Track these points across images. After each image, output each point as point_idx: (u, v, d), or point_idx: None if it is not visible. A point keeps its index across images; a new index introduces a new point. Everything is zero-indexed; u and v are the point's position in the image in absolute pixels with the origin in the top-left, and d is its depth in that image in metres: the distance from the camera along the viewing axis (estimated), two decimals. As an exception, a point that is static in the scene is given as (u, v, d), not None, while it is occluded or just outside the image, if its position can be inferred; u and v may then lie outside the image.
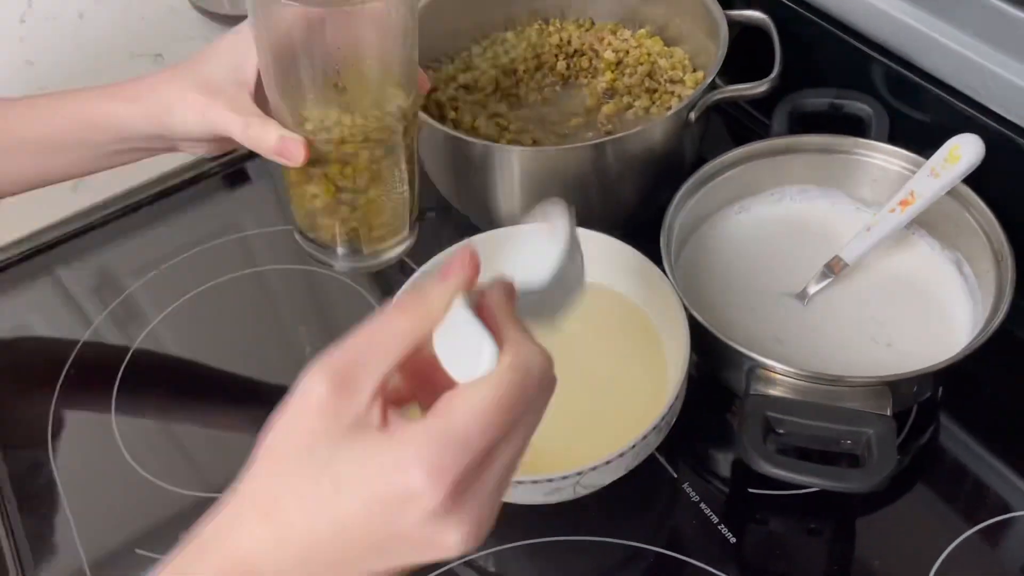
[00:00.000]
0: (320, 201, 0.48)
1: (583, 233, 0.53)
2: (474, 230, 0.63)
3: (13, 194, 0.57)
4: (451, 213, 0.67)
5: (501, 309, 0.32)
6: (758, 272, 0.56)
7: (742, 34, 0.61)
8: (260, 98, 0.49)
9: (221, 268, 0.66)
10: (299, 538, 0.29)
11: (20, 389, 0.62)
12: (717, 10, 0.60)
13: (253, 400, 0.59)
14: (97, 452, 0.57)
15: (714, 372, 0.52)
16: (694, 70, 0.65)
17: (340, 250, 0.50)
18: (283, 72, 0.44)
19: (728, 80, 0.63)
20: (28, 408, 0.59)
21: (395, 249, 0.52)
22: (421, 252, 0.62)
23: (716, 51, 0.59)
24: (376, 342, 0.31)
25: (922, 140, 0.56)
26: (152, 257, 0.67)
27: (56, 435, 0.57)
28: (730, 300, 0.54)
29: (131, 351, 0.61)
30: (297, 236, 0.52)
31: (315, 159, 0.46)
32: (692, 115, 0.56)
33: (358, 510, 0.28)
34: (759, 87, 0.56)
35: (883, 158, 0.56)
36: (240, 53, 0.49)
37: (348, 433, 0.29)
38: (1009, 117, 0.52)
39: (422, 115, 0.55)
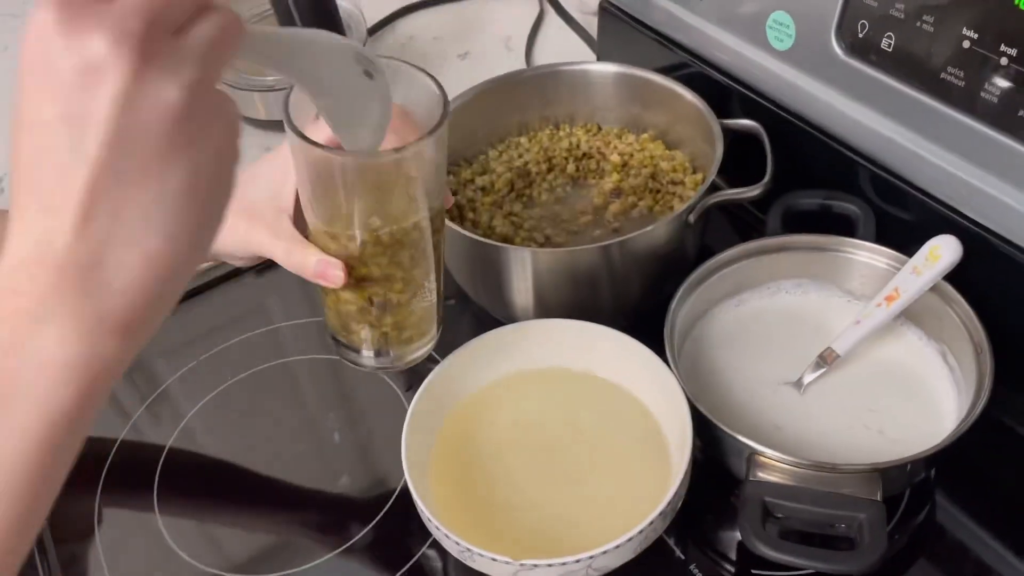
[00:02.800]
0: (353, 307, 0.50)
1: (592, 328, 0.58)
2: (491, 320, 0.68)
3: None
4: (469, 304, 0.71)
5: None
6: (756, 362, 0.59)
7: (738, 139, 0.66)
8: (299, 221, 0.51)
9: (253, 360, 0.70)
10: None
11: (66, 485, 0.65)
12: (713, 119, 0.66)
13: (284, 491, 0.62)
14: (141, 544, 0.60)
15: (716, 458, 0.55)
16: (694, 172, 0.70)
17: (370, 352, 0.53)
18: (318, 197, 0.47)
19: (727, 179, 0.68)
20: (75, 504, 0.62)
21: (423, 349, 0.54)
22: (442, 343, 0.67)
23: (713, 155, 0.64)
24: None
25: (907, 239, 0.60)
26: (187, 351, 0.71)
27: (101, 527, 0.60)
28: (730, 389, 0.58)
29: (167, 447, 0.65)
30: (329, 339, 0.55)
31: (350, 269, 0.48)
32: (691, 217, 0.61)
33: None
34: (753, 191, 0.61)
35: (869, 255, 0.60)
36: (278, 180, 0.52)
37: None
38: (983, 222, 0.56)
39: (443, 220, 0.60)
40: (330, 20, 0.78)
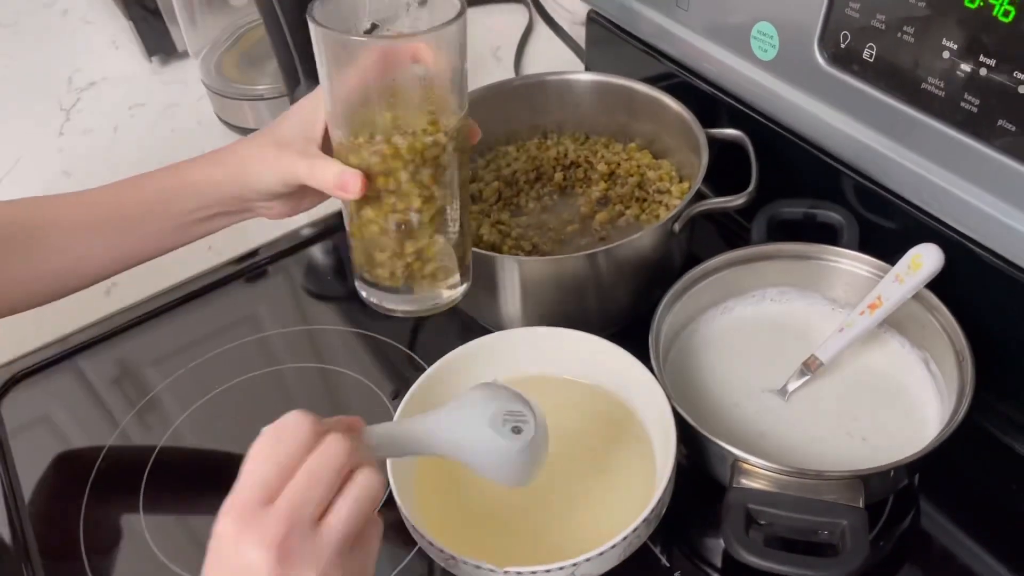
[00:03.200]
0: (376, 227, 0.50)
1: (578, 335, 0.58)
2: (479, 328, 0.68)
3: (92, 283, 0.61)
4: (457, 311, 0.71)
5: None
6: (741, 369, 0.60)
7: (724, 148, 0.67)
8: (326, 149, 0.52)
9: (242, 368, 0.70)
10: None
11: (53, 492, 0.65)
12: (698, 128, 0.66)
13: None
14: (129, 552, 0.60)
15: (701, 465, 0.55)
16: (680, 180, 0.71)
17: (394, 289, 0.52)
18: (341, 103, 0.47)
19: (714, 188, 0.69)
20: (61, 511, 0.62)
21: (448, 292, 0.53)
22: (428, 349, 0.67)
23: (699, 164, 0.64)
24: None
25: (890, 247, 0.61)
26: (177, 358, 0.71)
27: (86, 536, 0.60)
28: (715, 396, 0.58)
29: (155, 451, 0.65)
30: (357, 285, 0.54)
31: (371, 185, 0.49)
32: (677, 226, 0.61)
33: None
34: (738, 200, 0.62)
35: (852, 263, 0.60)
36: (309, 112, 0.54)
37: None
38: (964, 231, 0.56)
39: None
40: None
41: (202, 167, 0.57)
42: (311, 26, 0.45)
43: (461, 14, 0.45)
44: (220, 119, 0.91)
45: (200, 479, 0.65)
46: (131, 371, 0.72)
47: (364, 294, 0.54)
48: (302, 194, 0.56)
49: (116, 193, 0.58)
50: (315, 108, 0.54)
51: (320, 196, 0.56)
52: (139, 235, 0.58)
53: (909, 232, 0.60)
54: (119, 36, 1.06)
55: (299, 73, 0.80)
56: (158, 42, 0.99)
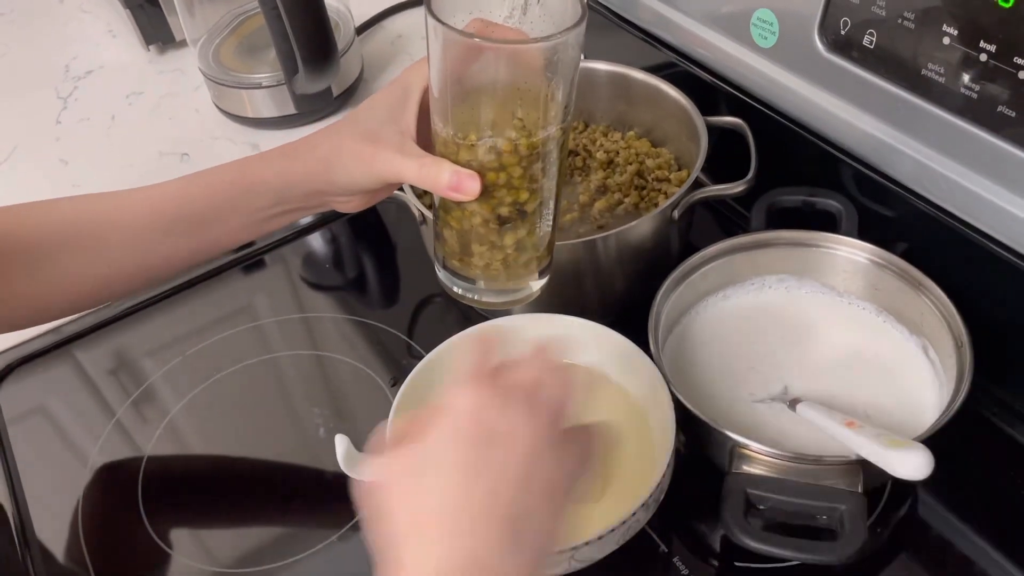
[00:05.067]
0: (479, 219, 0.49)
1: (577, 322, 0.58)
2: (477, 315, 0.68)
3: (169, 277, 0.59)
4: (455, 301, 0.71)
5: None
6: (740, 356, 0.60)
7: (723, 136, 0.67)
8: (422, 143, 0.50)
9: (238, 356, 0.70)
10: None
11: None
12: (697, 116, 0.66)
13: (269, 486, 0.63)
14: (128, 542, 0.60)
15: (700, 450, 0.55)
16: (679, 168, 0.71)
17: (483, 283, 0.52)
18: (457, 101, 0.47)
19: (713, 176, 0.69)
20: (58, 502, 0.62)
21: (537, 282, 0.53)
22: (426, 336, 0.67)
23: (698, 151, 0.64)
24: None
25: (889, 233, 0.61)
26: (173, 347, 0.71)
27: (84, 527, 0.60)
28: (714, 383, 0.58)
29: (151, 443, 0.65)
30: (444, 276, 0.54)
31: (481, 179, 0.47)
32: (676, 213, 0.61)
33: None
34: (736, 187, 0.62)
35: (851, 251, 0.60)
36: (396, 107, 0.51)
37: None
38: (964, 217, 0.56)
39: (429, 216, 0.60)
40: (318, 19, 0.78)
41: (277, 163, 0.54)
42: (429, 21, 0.44)
43: (583, 19, 0.45)
44: (218, 107, 0.91)
45: (198, 470, 0.65)
46: (127, 360, 0.72)
47: (453, 287, 0.53)
48: (386, 188, 0.54)
49: (184, 191, 0.56)
50: (404, 98, 0.51)
51: (397, 187, 0.54)
52: (208, 234, 0.56)
53: (908, 219, 0.60)
54: (116, 24, 1.05)
55: (297, 61, 0.80)
56: (156, 30, 0.98)
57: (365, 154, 0.51)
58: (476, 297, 0.53)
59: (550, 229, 0.52)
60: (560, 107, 0.47)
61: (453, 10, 0.45)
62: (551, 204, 0.51)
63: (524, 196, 0.49)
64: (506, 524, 0.36)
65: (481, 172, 0.47)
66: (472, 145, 0.47)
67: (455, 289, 0.53)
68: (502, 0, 0.48)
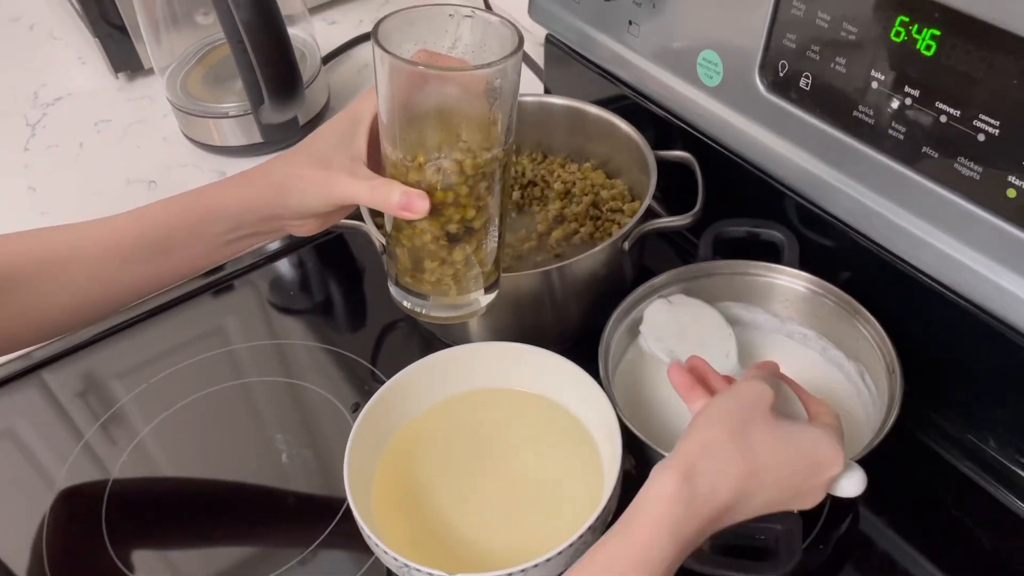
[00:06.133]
0: (428, 236, 0.51)
1: (530, 350, 0.60)
2: (438, 343, 0.70)
3: (133, 302, 0.60)
4: (416, 327, 0.74)
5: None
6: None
7: (676, 169, 0.70)
8: (372, 166, 0.53)
9: (207, 381, 0.71)
10: (760, 463, 0.47)
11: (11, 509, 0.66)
12: (648, 150, 0.69)
13: (233, 510, 0.64)
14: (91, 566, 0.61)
15: (648, 473, 0.58)
16: (632, 200, 0.73)
17: (437, 297, 0.54)
18: (404, 125, 0.49)
19: (667, 206, 0.72)
20: (19, 526, 0.63)
21: (487, 296, 0.56)
22: (389, 362, 0.69)
23: (649, 184, 0.67)
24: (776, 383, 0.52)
25: (829, 264, 0.64)
26: (142, 371, 0.72)
27: (48, 553, 0.61)
28: (662, 407, 0.61)
29: (117, 466, 0.66)
30: (396, 292, 0.56)
31: (429, 198, 0.50)
32: (626, 244, 0.64)
33: (802, 458, 0.48)
34: (684, 220, 0.64)
35: (791, 280, 0.63)
36: (347, 132, 0.53)
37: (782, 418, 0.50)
38: (894, 250, 0.60)
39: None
40: (283, 51, 0.80)
41: (232, 189, 0.56)
42: (377, 51, 0.46)
43: (519, 47, 0.48)
44: (186, 136, 0.93)
45: (164, 494, 0.66)
46: (96, 384, 0.73)
47: (404, 302, 0.55)
48: (339, 211, 0.56)
49: (141, 220, 0.57)
50: (354, 126, 0.53)
51: (350, 210, 0.57)
52: (168, 261, 0.58)
53: (846, 251, 0.63)
54: (86, 52, 1.07)
55: (263, 92, 0.82)
56: (125, 59, 1.00)
57: (318, 179, 0.53)
58: (427, 312, 0.55)
59: (496, 245, 0.55)
60: (502, 130, 0.50)
61: (400, 41, 0.48)
62: (496, 221, 0.53)
63: (471, 213, 0.51)
64: (734, 489, 0.46)
65: (430, 191, 0.50)
66: (420, 166, 0.49)
67: (406, 304, 0.55)
68: (445, 32, 0.51)
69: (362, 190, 0.51)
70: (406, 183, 0.50)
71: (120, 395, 0.71)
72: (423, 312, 0.55)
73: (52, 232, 0.58)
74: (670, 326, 0.63)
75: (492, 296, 0.56)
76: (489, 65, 0.47)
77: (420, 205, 0.49)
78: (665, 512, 0.45)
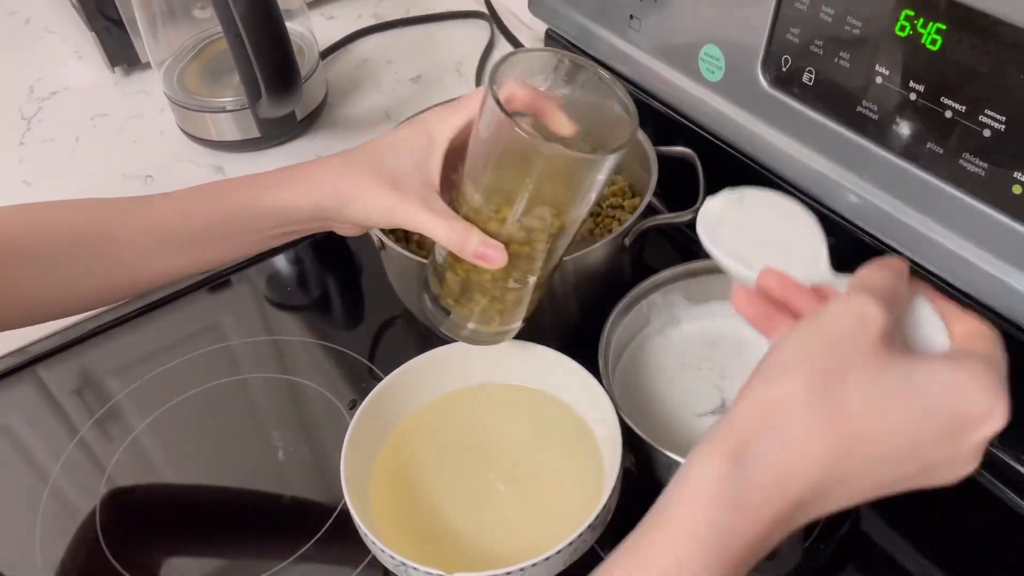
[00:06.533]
0: (487, 276, 0.50)
1: (529, 347, 0.60)
2: (437, 339, 0.69)
3: (157, 287, 0.58)
4: (414, 323, 0.73)
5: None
6: (687, 379, 0.62)
7: (676, 164, 0.69)
8: (445, 196, 0.51)
9: (203, 377, 0.71)
10: (860, 430, 0.32)
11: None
12: (648, 145, 0.68)
13: (229, 508, 0.64)
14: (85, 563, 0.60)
15: (648, 472, 0.57)
16: (632, 196, 0.73)
17: (475, 324, 0.54)
18: (495, 173, 0.48)
19: (668, 202, 0.71)
20: (13, 524, 0.63)
21: (511, 332, 0.55)
22: (386, 359, 0.68)
23: (649, 180, 0.66)
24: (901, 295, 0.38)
25: (833, 261, 0.63)
26: (138, 367, 0.72)
27: (41, 549, 0.61)
28: (662, 406, 0.60)
29: (112, 464, 0.65)
30: (429, 305, 0.54)
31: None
32: (627, 240, 0.63)
33: (932, 415, 0.32)
34: (685, 216, 0.64)
35: (794, 278, 0.63)
36: (422, 152, 0.51)
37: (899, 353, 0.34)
38: (897, 247, 0.59)
39: (388, 243, 0.62)
40: (281, 45, 0.80)
41: (287, 188, 0.54)
42: (490, 103, 0.44)
43: (634, 134, 0.47)
44: (182, 131, 0.92)
45: (159, 492, 0.66)
46: (92, 380, 0.73)
47: (440, 325, 0.55)
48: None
49: (190, 205, 0.55)
50: (429, 147, 0.51)
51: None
52: (210, 249, 0.56)
53: (848, 248, 0.62)
54: (82, 46, 1.06)
55: (260, 86, 0.82)
56: (121, 53, 0.99)
57: (388, 200, 0.51)
58: (466, 335, 0.54)
59: (542, 292, 0.54)
60: (596, 198, 0.49)
61: (503, 78, 0.47)
62: (556, 264, 0.53)
63: (538, 265, 0.50)
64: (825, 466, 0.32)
65: (506, 242, 0.48)
66: (503, 220, 0.48)
67: (441, 328, 0.55)
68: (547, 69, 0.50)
69: (439, 228, 0.49)
70: (484, 230, 0.48)
71: (115, 391, 0.71)
72: (463, 335, 0.54)
73: (102, 204, 0.56)
74: (742, 229, 0.46)
75: (516, 330, 0.56)
76: (601, 153, 0.45)
77: (498, 258, 0.48)
78: (702, 514, 0.32)
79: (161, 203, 0.56)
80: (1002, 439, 0.60)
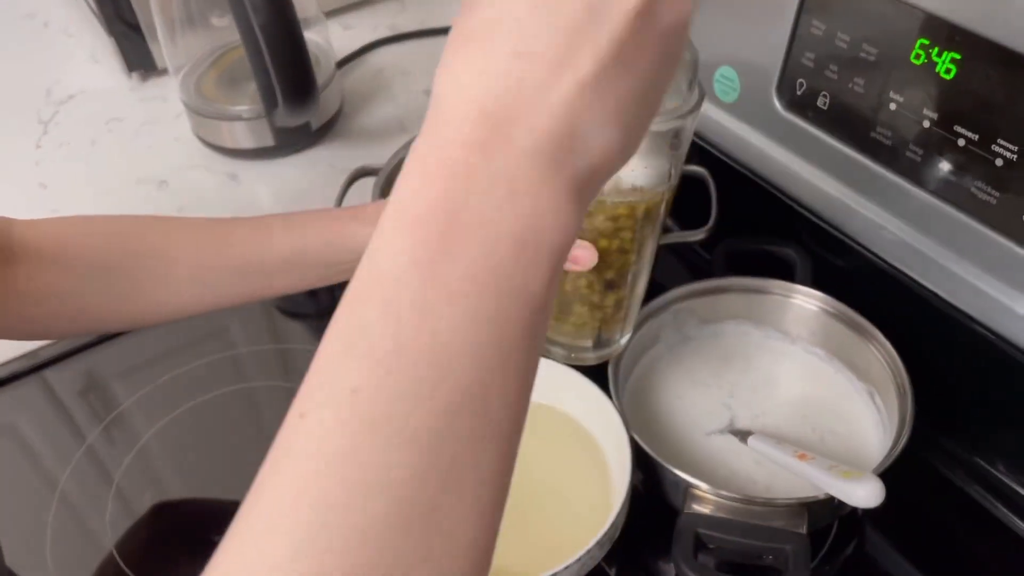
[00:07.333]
0: (583, 281, 0.49)
1: (543, 361, 0.60)
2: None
3: (202, 312, 0.57)
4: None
5: None
6: (697, 398, 0.62)
7: (692, 183, 0.70)
8: None
9: (211, 385, 0.71)
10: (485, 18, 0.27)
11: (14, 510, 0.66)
12: (663, 165, 0.69)
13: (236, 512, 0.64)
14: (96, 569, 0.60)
15: (657, 489, 0.58)
16: (644, 213, 0.73)
17: (582, 340, 0.53)
18: None
19: (681, 221, 0.72)
20: (22, 526, 0.63)
21: (623, 337, 0.55)
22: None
23: (663, 199, 0.67)
24: None
25: (842, 283, 0.64)
26: (146, 373, 0.72)
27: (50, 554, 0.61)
28: (671, 423, 0.61)
29: (121, 470, 0.66)
30: None
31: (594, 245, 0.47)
32: (639, 258, 0.64)
33: None
34: (697, 234, 0.64)
35: (804, 299, 0.63)
36: None
37: None
38: (907, 272, 0.59)
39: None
40: (298, 54, 0.80)
41: (357, 227, 0.52)
42: None
43: (701, 102, 0.45)
44: (198, 137, 0.92)
45: (167, 499, 0.66)
46: (99, 386, 0.73)
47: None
48: None
49: (262, 236, 0.53)
50: None
51: None
52: (275, 281, 0.55)
53: (860, 271, 0.63)
54: (99, 50, 1.07)
55: (277, 95, 0.82)
56: (139, 58, 1.00)
57: None
58: (567, 354, 0.54)
59: (643, 290, 0.53)
60: (675, 169, 0.47)
61: None
62: (650, 262, 0.52)
63: (632, 259, 0.49)
64: (579, 79, 0.27)
65: (594, 240, 0.47)
66: (590, 215, 0.46)
67: (551, 352, 0.54)
68: None
69: None
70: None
71: (123, 397, 0.71)
72: (568, 355, 0.54)
73: (166, 224, 0.55)
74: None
75: (627, 338, 0.55)
76: (682, 116, 0.44)
77: (590, 259, 0.46)
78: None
79: (233, 228, 0.54)
80: (1007, 465, 0.61)
